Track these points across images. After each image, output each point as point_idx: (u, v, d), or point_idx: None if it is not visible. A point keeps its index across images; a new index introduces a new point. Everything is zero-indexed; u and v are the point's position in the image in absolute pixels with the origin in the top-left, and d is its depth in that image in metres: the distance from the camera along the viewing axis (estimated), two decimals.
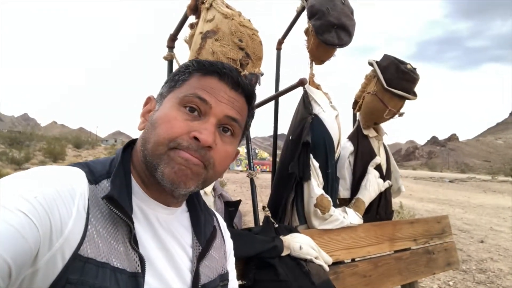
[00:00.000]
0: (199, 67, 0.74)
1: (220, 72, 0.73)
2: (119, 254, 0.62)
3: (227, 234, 0.95)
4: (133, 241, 0.64)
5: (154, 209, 0.72)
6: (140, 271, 0.63)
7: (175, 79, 0.75)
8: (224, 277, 0.84)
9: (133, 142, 0.78)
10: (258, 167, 25.74)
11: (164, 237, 0.72)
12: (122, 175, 0.68)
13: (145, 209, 0.71)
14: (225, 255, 0.90)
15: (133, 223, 0.63)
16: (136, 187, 0.71)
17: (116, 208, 0.62)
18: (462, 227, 7.91)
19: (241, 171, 24.09)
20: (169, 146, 0.67)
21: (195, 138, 0.67)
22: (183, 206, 0.83)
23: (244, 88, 0.76)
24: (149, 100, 0.78)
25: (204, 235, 0.81)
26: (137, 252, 0.64)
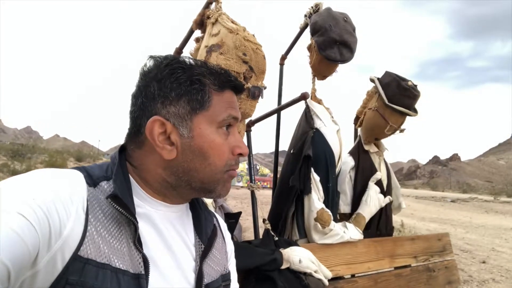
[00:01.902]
0: (214, 82, 0.73)
1: (232, 85, 0.76)
2: (122, 255, 0.62)
3: (227, 234, 0.95)
4: (137, 242, 0.64)
5: (157, 208, 0.73)
6: (143, 272, 0.63)
7: (197, 99, 0.70)
8: (226, 277, 0.84)
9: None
10: (259, 183, 25.65)
11: (168, 236, 0.72)
12: (121, 176, 0.69)
13: (148, 208, 0.71)
14: (227, 255, 0.90)
15: (137, 222, 0.64)
16: (136, 187, 0.71)
17: (121, 206, 0.62)
18: (464, 247, 7.82)
19: (241, 187, 23.99)
20: (224, 171, 0.74)
21: (239, 154, 0.76)
22: (186, 205, 0.83)
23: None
24: (158, 123, 0.69)
25: (205, 233, 0.81)
26: (141, 253, 0.64)
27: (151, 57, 0.74)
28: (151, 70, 0.72)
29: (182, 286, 0.71)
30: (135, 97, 0.73)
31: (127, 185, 0.68)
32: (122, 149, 0.76)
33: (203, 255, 0.77)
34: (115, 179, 0.67)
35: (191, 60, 0.74)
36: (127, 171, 0.72)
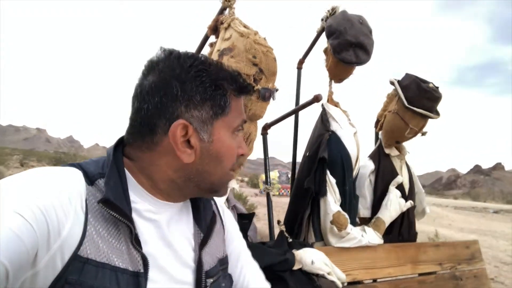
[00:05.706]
0: (234, 87, 0.74)
1: (247, 91, 0.78)
2: (122, 254, 0.63)
3: (226, 216, 0.95)
4: (135, 241, 0.64)
5: (155, 205, 0.72)
6: (142, 270, 0.64)
7: (220, 104, 0.71)
8: (223, 261, 0.84)
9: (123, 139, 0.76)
10: (289, 191, 25.37)
11: (166, 230, 0.72)
12: (116, 175, 0.67)
13: (146, 205, 0.71)
14: (224, 239, 0.89)
15: (132, 223, 0.63)
16: (134, 184, 0.70)
17: (113, 210, 0.62)
18: (505, 260, 7.40)
19: (273, 195, 23.83)
20: (230, 172, 0.77)
21: (241, 154, 0.78)
22: None
23: None
24: (181, 126, 0.67)
25: (205, 221, 0.82)
26: (139, 252, 0.64)
27: (165, 50, 0.71)
28: (170, 67, 0.69)
29: (183, 277, 0.71)
30: (150, 94, 0.68)
31: (122, 184, 0.67)
32: (119, 143, 0.74)
33: (202, 244, 0.78)
34: (107, 180, 0.65)
35: (210, 60, 0.73)
36: (123, 168, 0.70)
